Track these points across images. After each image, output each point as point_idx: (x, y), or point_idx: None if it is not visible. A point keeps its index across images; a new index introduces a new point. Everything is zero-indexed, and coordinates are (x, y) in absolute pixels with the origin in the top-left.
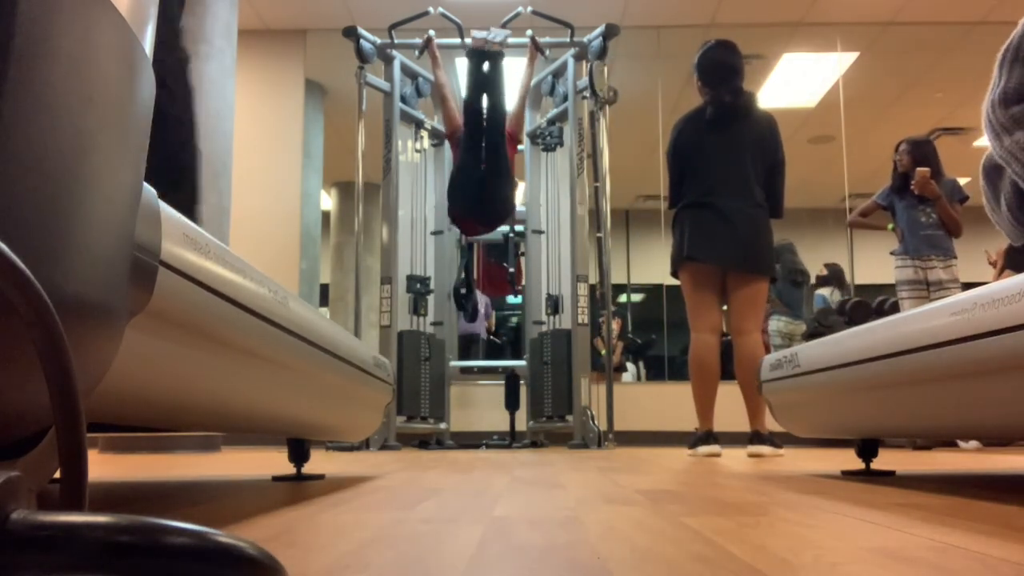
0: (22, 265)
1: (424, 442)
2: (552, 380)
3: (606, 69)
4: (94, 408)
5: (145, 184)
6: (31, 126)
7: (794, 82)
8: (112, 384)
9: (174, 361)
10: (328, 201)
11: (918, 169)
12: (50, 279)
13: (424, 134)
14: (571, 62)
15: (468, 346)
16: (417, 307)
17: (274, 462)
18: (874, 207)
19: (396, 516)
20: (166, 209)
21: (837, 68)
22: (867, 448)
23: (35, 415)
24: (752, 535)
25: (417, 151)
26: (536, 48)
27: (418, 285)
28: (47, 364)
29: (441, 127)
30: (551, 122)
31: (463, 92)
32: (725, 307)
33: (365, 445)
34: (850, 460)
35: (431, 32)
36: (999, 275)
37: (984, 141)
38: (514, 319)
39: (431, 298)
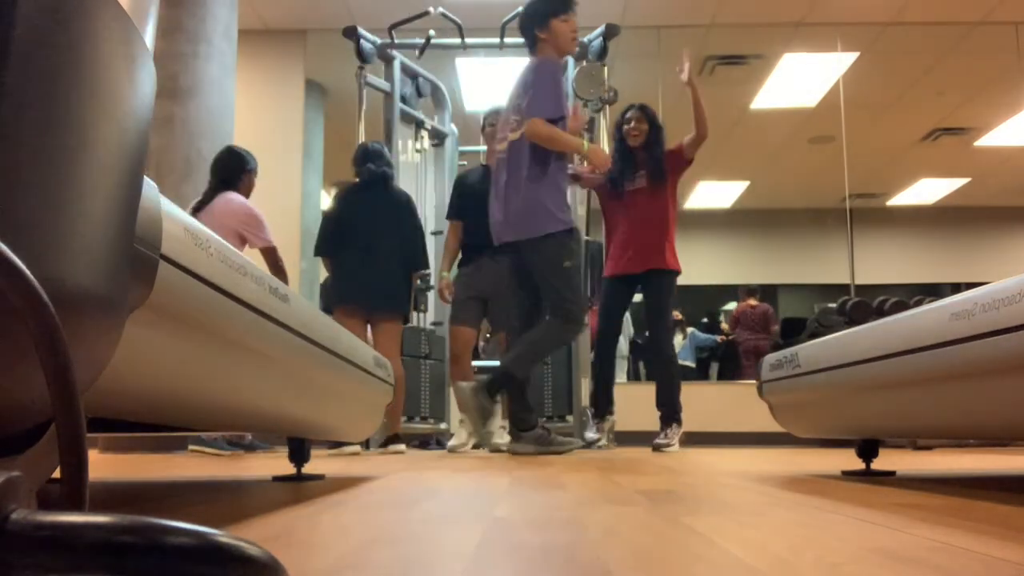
0: (16, 259)
1: (424, 442)
2: (552, 380)
3: (606, 69)
4: (94, 403)
5: (146, 178)
6: (32, 118)
7: (794, 82)
8: (111, 379)
9: (174, 356)
10: (328, 201)
11: None
12: (50, 272)
13: (424, 134)
14: (571, 62)
15: None
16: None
17: (274, 462)
18: None
19: (396, 516)
20: (167, 203)
21: (837, 68)
22: (867, 448)
23: (35, 409)
24: (752, 535)
25: (417, 151)
26: None
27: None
28: (45, 358)
29: (441, 127)
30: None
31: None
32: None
33: (365, 445)
34: (850, 460)
35: (431, 32)
36: None
37: (984, 141)
38: None
39: (431, 295)
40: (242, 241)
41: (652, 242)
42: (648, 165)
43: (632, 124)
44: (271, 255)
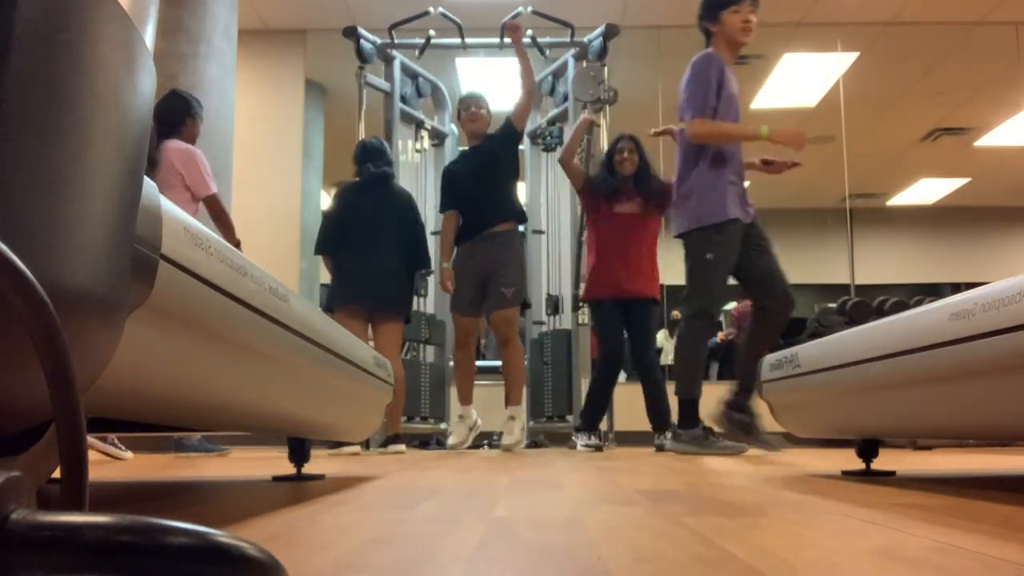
0: (16, 259)
1: (424, 442)
2: (552, 380)
3: (606, 69)
4: (94, 403)
5: (146, 178)
6: (32, 118)
7: (794, 82)
8: (111, 379)
9: (174, 356)
10: (328, 201)
11: None
12: (50, 272)
13: (424, 134)
14: (571, 62)
15: None
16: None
17: (274, 462)
18: None
19: (396, 516)
20: (167, 203)
21: (837, 68)
22: (867, 448)
23: (35, 408)
24: (752, 535)
25: (417, 151)
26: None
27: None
28: (45, 358)
29: (441, 127)
30: (551, 122)
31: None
32: None
33: (365, 445)
34: (850, 460)
35: (431, 32)
36: None
37: (984, 141)
38: None
39: (431, 281)
40: (191, 195)
41: (642, 269)
42: (644, 194)
43: (625, 154)
44: (213, 203)
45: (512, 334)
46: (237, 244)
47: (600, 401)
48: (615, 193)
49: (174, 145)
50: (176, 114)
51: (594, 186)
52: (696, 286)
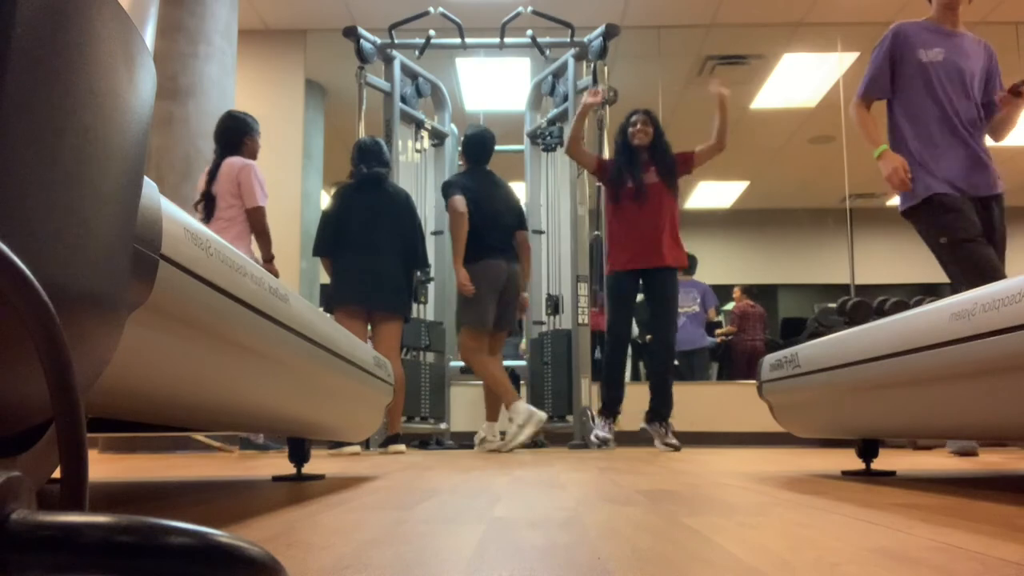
0: (17, 260)
1: (424, 442)
2: (552, 380)
3: (606, 69)
4: (94, 403)
5: (146, 178)
6: (32, 118)
7: (794, 82)
8: (111, 378)
9: (174, 356)
10: (328, 201)
11: None
12: (50, 272)
13: (424, 134)
14: (571, 62)
15: None
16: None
17: (274, 462)
18: None
19: (396, 516)
20: (167, 203)
21: (837, 68)
22: (867, 448)
23: (35, 408)
24: (752, 535)
25: (417, 151)
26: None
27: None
28: (45, 358)
29: (441, 127)
30: (551, 122)
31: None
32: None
33: (365, 445)
34: (850, 460)
35: (431, 32)
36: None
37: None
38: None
39: (431, 288)
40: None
41: (663, 238)
42: (657, 163)
43: (639, 126)
44: (256, 216)
45: (464, 355)
46: (270, 260)
47: (613, 379)
48: (635, 166)
49: (236, 159)
50: (235, 134)
51: (614, 161)
52: (953, 275)
